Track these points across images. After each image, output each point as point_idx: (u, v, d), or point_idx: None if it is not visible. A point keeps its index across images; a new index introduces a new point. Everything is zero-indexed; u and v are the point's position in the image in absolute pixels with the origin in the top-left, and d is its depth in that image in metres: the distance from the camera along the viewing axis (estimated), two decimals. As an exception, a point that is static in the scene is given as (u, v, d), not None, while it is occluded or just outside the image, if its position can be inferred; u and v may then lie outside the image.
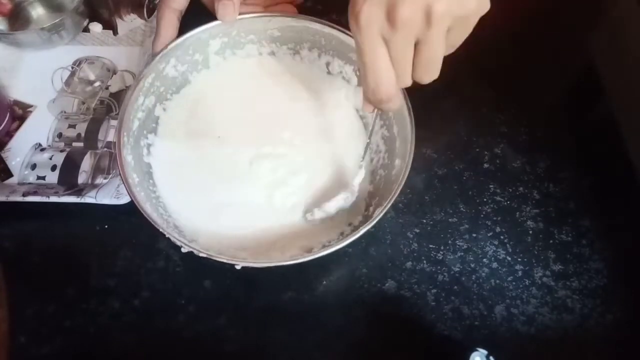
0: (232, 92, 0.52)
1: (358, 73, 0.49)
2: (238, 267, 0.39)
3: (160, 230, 0.40)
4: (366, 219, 0.43)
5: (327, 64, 0.51)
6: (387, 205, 0.41)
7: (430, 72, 0.36)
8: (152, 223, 0.40)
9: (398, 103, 0.39)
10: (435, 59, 0.35)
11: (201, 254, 0.39)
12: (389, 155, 0.47)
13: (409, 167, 0.42)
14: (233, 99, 0.51)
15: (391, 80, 0.36)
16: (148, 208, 0.41)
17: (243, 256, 0.44)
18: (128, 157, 0.44)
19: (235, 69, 0.52)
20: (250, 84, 0.52)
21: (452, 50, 0.37)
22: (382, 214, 0.41)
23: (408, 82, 0.37)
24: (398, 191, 0.41)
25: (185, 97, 0.51)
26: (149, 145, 0.48)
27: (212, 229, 0.46)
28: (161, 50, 0.46)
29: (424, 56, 0.35)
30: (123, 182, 0.42)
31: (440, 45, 0.35)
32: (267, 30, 0.50)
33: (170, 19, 0.45)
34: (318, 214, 0.46)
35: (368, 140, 0.47)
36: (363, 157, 0.47)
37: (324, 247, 0.43)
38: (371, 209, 0.46)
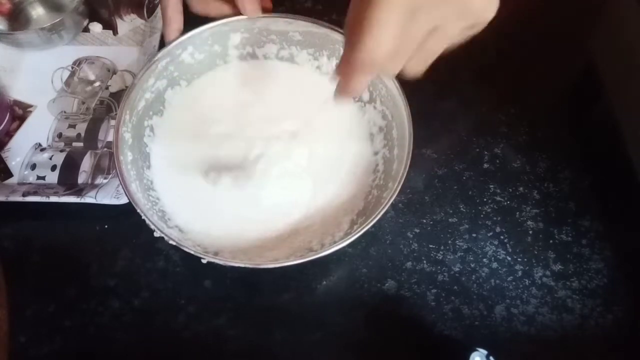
0: (242, 92, 0.52)
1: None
2: (204, 262, 0.39)
3: (137, 209, 0.40)
4: (346, 235, 0.43)
5: None
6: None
7: (423, 65, 0.35)
8: (127, 195, 0.40)
9: (363, 85, 0.35)
10: (436, 53, 0.34)
11: (171, 242, 0.39)
12: (384, 177, 0.47)
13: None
14: (241, 99, 0.51)
15: (387, 50, 0.31)
16: (133, 187, 0.42)
17: (212, 251, 0.44)
18: (126, 134, 0.44)
19: (251, 69, 0.52)
20: (261, 87, 0.52)
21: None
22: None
23: (398, 67, 0.34)
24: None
25: (197, 87, 0.51)
26: (152, 127, 0.49)
27: (203, 224, 0.46)
28: (175, 39, 0.46)
29: (427, 46, 0.33)
30: (114, 157, 0.42)
31: (449, 42, 0.33)
32: (289, 33, 0.50)
33: (176, 5, 0.46)
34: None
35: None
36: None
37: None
38: (355, 226, 0.45)
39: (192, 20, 0.47)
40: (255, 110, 0.51)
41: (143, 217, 0.40)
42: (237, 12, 0.47)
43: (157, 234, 0.40)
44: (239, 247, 0.45)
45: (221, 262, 0.40)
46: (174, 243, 0.39)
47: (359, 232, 0.40)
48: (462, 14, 0.32)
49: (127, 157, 0.44)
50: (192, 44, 0.48)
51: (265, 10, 0.48)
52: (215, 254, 0.43)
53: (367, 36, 0.30)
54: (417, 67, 0.34)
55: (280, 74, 0.52)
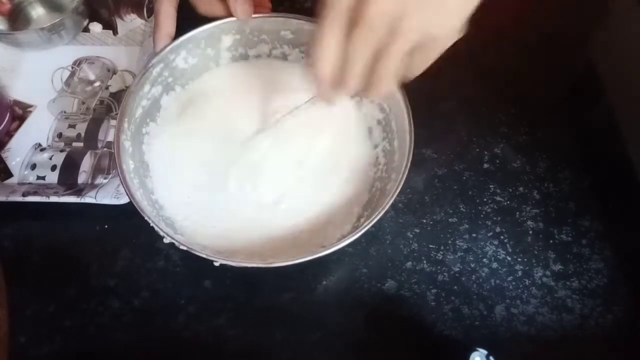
0: (238, 93, 0.52)
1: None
2: (217, 264, 0.39)
3: (145, 217, 0.40)
4: (355, 229, 0.43)
5: None
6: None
7: (377, 88, 0.34)
8: (135, 204, 0.40)
9: (331, 98, 0.37)
10: (387, 76, 0.33)
11: (182, 247, 0.39)
12: (387, 169, 0.47)
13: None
14: (237, 100, 0.51)
15: (327, 71, 0.33)
16: (138, 195, 0.42)
17: (224, 254, 0.43)
18: (126, 143, 0.44)
19: (244, 69, 0.52)
20: (256, 87, 0.52)
21: (409, 77, 0.35)
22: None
23: (349, 86, 0.34)
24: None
25: (192, 91, 0.51)
26: (149, 134, 0.49)
27: (205, 226, 0.46)
28: (165, 47, 0.46)
29: (376, 69, 0.33)
30: (117, 167, 0.42)
31: (396, 64, 0.33)
32: (280, 32, 0.50)
33: (168, 10, 0.46)
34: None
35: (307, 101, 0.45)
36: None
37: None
38: (362, 219, 0.45)
39: (184, 25, 0.47)
40: (250, 111, 0.51)
41: (152, 224, 0.40)
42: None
43: (167, 241, 0.40)
44: (244, 248, 0.45)
45: (235, 264, 0.40)
46: (185, 248, 0.39)
47: (369, 224, 0.40)
48: (409, 38, 0.31)
49: (129, 166, 0.44)
50: (185, 49, 0.48)
51: (265, 9, 0.48)
52: (228, 256, 0.43)
53: (313, 50, 0.33)
54: (375, 90, 0.35)
55: (273, 73, 0.52)
